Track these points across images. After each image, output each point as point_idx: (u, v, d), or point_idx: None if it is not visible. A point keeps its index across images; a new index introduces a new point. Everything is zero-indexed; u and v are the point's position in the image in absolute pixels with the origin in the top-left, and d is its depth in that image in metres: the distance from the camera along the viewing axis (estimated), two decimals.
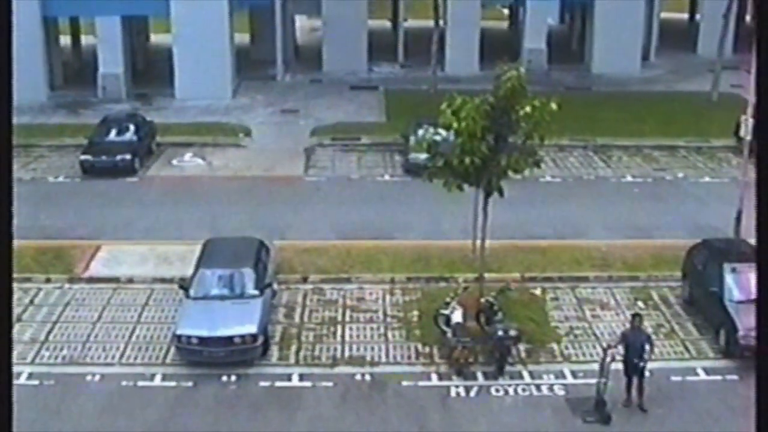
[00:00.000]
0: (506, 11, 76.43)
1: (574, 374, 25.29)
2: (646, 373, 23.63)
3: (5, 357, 3.53)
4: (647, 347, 23.46)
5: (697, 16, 68.72)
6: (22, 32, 50.71)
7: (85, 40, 62.96)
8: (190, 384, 24.95)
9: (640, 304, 29.13)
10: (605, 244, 33.23)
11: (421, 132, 36.87)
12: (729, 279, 26.82)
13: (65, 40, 61.87)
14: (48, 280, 30.59)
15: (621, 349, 23.58)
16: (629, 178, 40.96)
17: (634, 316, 24.36)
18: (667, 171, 41.78)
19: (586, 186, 40.05)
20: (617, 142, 45.28)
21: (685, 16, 74.56)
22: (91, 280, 30.84)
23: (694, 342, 27.07)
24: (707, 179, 40.77)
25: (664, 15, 63.85)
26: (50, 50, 54.72)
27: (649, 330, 25.81)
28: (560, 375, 25.31)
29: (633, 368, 23.50)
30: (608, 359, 23.37)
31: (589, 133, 45.76)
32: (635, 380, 23.67)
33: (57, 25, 58.17)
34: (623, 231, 34.64)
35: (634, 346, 23.36)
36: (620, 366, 23.60)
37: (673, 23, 70.76)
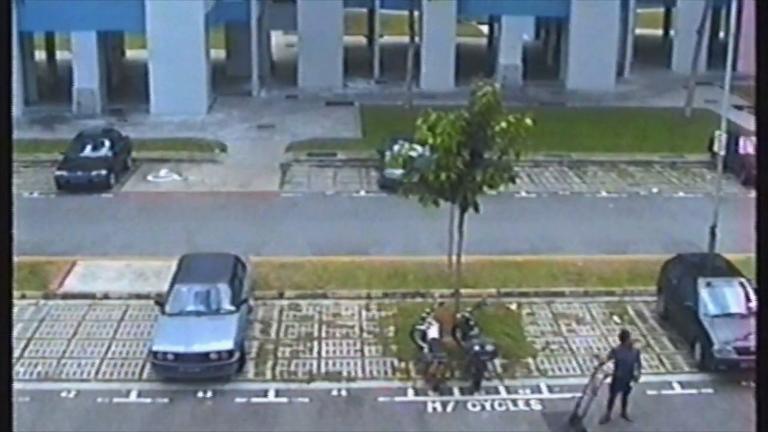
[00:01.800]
0: (485, 28, 76.60)
1: (550, 389, 25.36)
2: (632, 385, 23.70)
3: (5, 357, 3.53)
4: (637, 365, 23.56)
5: (671, 32, 69.11)
6: None
7: (60, 55, 62.79)
8: (166, 400, 24.87)
9: (616, 318, 29.26)
10: (581, 259, 33.34)
11: (396, 147, 36.89)
12: (704, 293, 26.98)
13: (40, 54, 61.70)
14: (23, 296, 30.36)
15: (611, 365, 23.62)
16: (604, 194, 41.14)
17: (623, 334, 24.35)
18: (642, 186, 41.98)
19: (561, 201, 40.20)
20: (592, 158, 45.49)
21: (660, 32, 74.99)
22: (67, 296, 30.73)
23: (670, 356, 27.18)
24: (681, 194, 40.98)
25: (638, 31, 64.30)
26: (25, 65, 54.52)
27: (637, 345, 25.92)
28: (536, 389, 25.36)
29: (621, 385, 23.54)
30: (600, 376, 23.44)
31: (564, 149, 45.97)
32: (619, 396, 23.72)
33: (32, 40, 58.01)
34: (599, 246, 34.76)
35: (625, 364, 23.40)
36: (607, 381, 23.65)
37: (648, 39, 71.13)
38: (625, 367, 23.40)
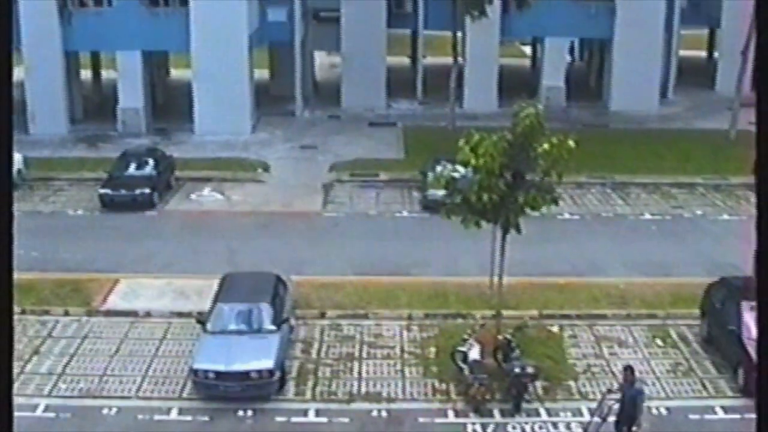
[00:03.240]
0: (528, 49, 76.55)
1: (591, 412, 25.17)
2: (635, 429, 23.06)
3: (5, 358, 3.53)
4: (639, 404, 22.94)
5: (715, 54, 68.72)
6: (44, 66, 51.35)
7: (105, 74, 63.36)
8: (206, 418, 24.93)
9: (659, 341, 29.02)
10: (623, 281, 33.13)
11: (439, 168, 36.89)
12: (747, 317, 26.69)
13: (86, 74, 62.28)
14: (66, 313, 30.66)
15: (618, 397, 23.23)
16: (647, 216, 40.90)
17: (625, 369, 23.91)
18: (686, 208, 41.71)
19: (604, 223, 40.00)
20: (635, 180, 45.26)
21: (704, 53, 74.62)
22: (109, 313, 30.89)
23: (713, 380, 26.92)
24: (725, 217, 40.66)
25: (682, 52, 63.95)
26: (71, 84, 55.11)
27: (666, 369, 25.69)
28: (577, 412, 25.17)
29: (624, 422, 23.00)
30: (609, 403, 23.15)
31: (607, 171, 45.77)
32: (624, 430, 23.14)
33: (78, 59, 58.59)
34: (641, 268, 34.54)
35: (626, 400, 22.85)
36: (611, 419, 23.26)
37: (692, 60, 70.81)
38: (627, 404, 22.90)
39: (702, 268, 33.79)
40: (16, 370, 26.29)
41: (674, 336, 29.47)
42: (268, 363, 25.53)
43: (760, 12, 3.68)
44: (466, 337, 26.66)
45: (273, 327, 26.83)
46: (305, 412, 25.22)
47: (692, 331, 29.60)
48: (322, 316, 30.59)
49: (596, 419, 23.09)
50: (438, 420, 24.90)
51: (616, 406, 23.15)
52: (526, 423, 24.70)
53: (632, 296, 31.92)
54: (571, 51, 68.83)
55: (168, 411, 25.28)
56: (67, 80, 53.90)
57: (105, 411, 25.18)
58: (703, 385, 26.65)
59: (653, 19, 57.21)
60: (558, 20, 56.86)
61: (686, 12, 60.45)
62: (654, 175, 45.56)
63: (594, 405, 24.64)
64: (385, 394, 26.06)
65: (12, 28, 3.60)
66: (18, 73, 55.79)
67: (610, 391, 23.67)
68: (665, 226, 39.50)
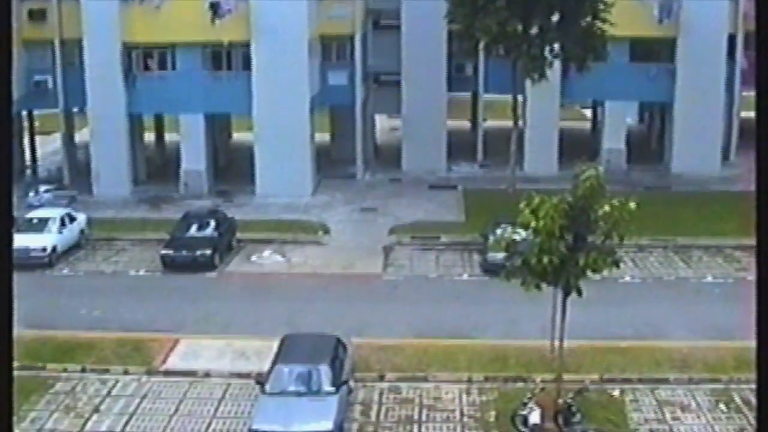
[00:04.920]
0: (588, 111, 76.46)
1: None
2: None
3: (5, 359, 3.56)
4: None
5: None
6: (108, 128, 52.22)
7: (168, 136, 64.15)
8: None
9: (722, 406, 28.59)
10: (686, 345, 32.74)
11: (499, 231, 36.85)
12: None
13: (149, 136, 63.11)
14: (126, 372, 30.88)
15: None
16: (710, 279, 40.50)
17: None
18: (749, 271, 41.13)
19: (666, 286, 39.65)
20: (698, 242, 44.87)
21: None
22: (169, 373, 31.07)
23: None
24: None
25: (744, 114, 63.51)
26: (135, 146, 55.86)
27: None
28: None
29: None
30: None
31: (669, 233, 45.42)
32: None
33: (142, 122, 59.43)
34: (704, 332, 34.12)
35: None
36: None
37: (753, 122, 70.21)
38: None
39: None
40: (76, 428, 26.53)
41: (738, 400, 29.01)
42: (327, 425, 25.46)
43: (760, 12, 3.66)
44: (526, 400, 26.48)
45: (332, 389, 26.79)
46: None
47: None
48: (382, 378, 30.50)
49: None
50: None
51: None
52: None
53: (695, 360, 31.52)
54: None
55: None
56: (131, 142, 54.68)
57: None
58: None
59: (714, 80, 57.07)
60: (618, 83, 56.83)
61: (746, 73, 60.11)
62: (717, 238, 45.13)
63: None
64: None
65: (12, 33, 3.61)
66: (83, 135, 56.78)
67: None
68: (728, 290, 39.01)
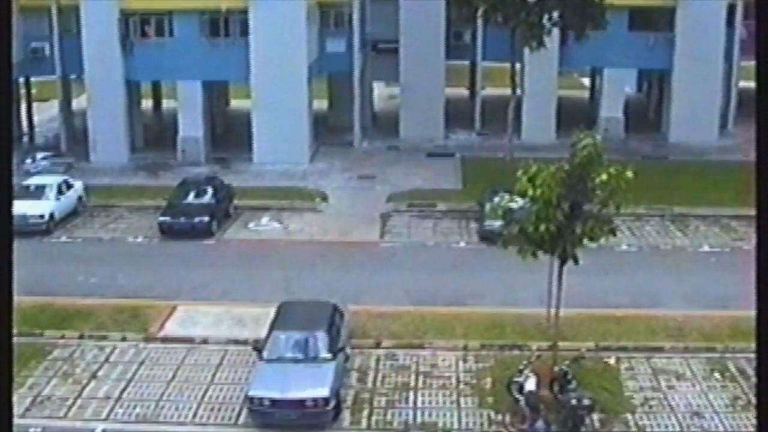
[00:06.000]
0: (587, 80, 76.34)
1: None
2: None
3: (5, 360, 3.60)
4: None
5: None
6: (105, 95, 52.10)
7: (166, 103, 64.04)
8: None
9: (717, 375, 28.70)
10: (681, 314, 32.83)
11: (496, 199, 36.86)
12: None
13: (147, 103, 62.97)
14: (124, 339, 30.96)
15: None
16: (706, 248, 40.56)
17: None
18: (746, 241, 41.21)
19: (662, 255, 39.70)
20: (695, 212, 44.90)
21: None
22: (166, 339, 31.15)
23: None
24: None
25: (742, 84, 63.42)
26: (132, 113, 55.77)
27: (724, 403, 25.32)
28: None
29: None
30: None
31: (665, 202, 45.45)
32: None
33: (139, 89, 59.32)
34: (700, 301, 34.20)
35: None
36: None
37: (752, 92, 69.99)
38: None
39: None
40: (74, 394, 26.64)
41: (733, 369, 29.10)
42: (323, 391, 25.56)
43: (760, 12, 3.69)
44: (522, 368, 26.55)
45: (329, 355, 26.89)
46: None
47: (751, 365, 29.16)
48: (378, 345, 30.59)
49: None
50: None
51: None
52: None
53: (690, 329, 31.61)
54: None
55: None
56: (128, 109, 54.58)
57: None
58: None
59: (713, 50, 57.01)
60: (616, 51, 56.72)
61: (745, 43, 59.98)
62: (713, 207, 45.15)
63: None
64: (440, 424, 25.98)
65: (12, 28, 3.64)
66: (80, 102, 56.68)
67: None
68: (724, 259, 39.10)
